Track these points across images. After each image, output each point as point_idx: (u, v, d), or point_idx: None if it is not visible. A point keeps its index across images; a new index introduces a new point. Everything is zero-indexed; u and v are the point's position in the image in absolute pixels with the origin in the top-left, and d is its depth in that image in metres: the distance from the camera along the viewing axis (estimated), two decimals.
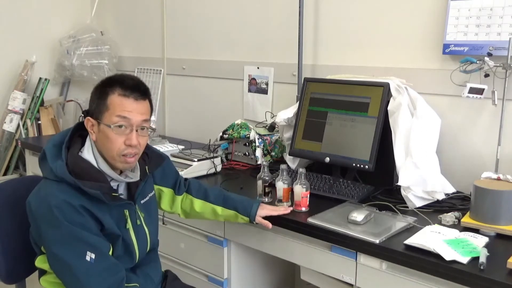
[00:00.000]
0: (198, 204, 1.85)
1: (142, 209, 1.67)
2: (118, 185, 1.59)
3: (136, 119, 1.51)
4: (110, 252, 1.53)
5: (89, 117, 1.54)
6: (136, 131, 1.52)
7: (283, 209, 1.85)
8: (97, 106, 1.52)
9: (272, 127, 2.59)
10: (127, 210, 1.59)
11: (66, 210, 1.42)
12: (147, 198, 1.70)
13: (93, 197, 1.46)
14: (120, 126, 1.50)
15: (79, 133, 1.58)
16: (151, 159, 1.70)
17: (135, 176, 1.61)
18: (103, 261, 1.47)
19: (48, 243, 1.47)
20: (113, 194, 1.52)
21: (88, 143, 1.54)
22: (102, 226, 1.50)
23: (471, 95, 1.95)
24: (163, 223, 2.21)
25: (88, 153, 1.53)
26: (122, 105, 1.50)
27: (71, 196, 1.44)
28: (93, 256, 1.44)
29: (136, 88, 1.53)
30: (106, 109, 1.50)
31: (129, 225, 1.59)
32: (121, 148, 1.51)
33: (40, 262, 1.59)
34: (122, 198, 1.58)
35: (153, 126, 1.65)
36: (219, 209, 1.83)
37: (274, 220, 1.85)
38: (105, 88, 1.52)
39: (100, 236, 1.49)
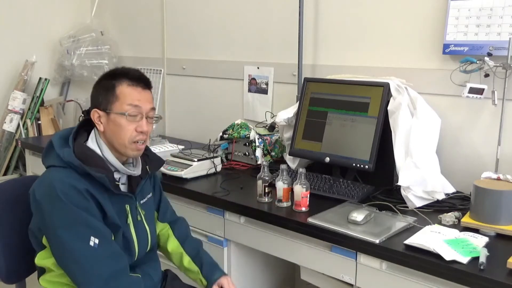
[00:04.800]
0: (173, 244, 1.80)
1: (142, 208, 1.69)
2: (119, 178, 1.62)
3: (146, 107, 1.59)
4: None
5: (96, 109, 1.58)
6: (146, 118, 1.59)
7: None
8: (105, 98, 1.57)
9: (272, 127, 2.59)
10: (128, 205, 1.61)
11: (71, 193, 1.45)
12: (146, 199, 1.72)
13: (97, 184, 1.50)
14: (133, 115, 1.56)
15: (84, 128, 1.63)
16: (151, 161, 1.74)
17: (137, 171, 1.65)
18: (106, 247, 1.48)
19: (52, 227, 1.47)
20: (116, 183, 1.58)
21: (92, 134, 1.60)
22: (105, 214, 1.52)
23: (471, 95, 1.96)
24: None
25: (92, 143, 1.58)
26: (131, 94, 1.57)
27: (76, 181, 1.47)
28: (96, 241, 1.45)
29: (142, 79, 1.61)
30: (115, 99, 1.56)
31: (130, 220, 1.61)
32: (133, 135, 1.57)
33: (40, 259, 1.58)
34: (123, 190, 1.62)
35: (158, 115, 1.71)
36: (186, 260, 1.76)
37: (274, 220, 1.86)
38: (111, 80, 1.58)
39: (103, 223, 1.51)
